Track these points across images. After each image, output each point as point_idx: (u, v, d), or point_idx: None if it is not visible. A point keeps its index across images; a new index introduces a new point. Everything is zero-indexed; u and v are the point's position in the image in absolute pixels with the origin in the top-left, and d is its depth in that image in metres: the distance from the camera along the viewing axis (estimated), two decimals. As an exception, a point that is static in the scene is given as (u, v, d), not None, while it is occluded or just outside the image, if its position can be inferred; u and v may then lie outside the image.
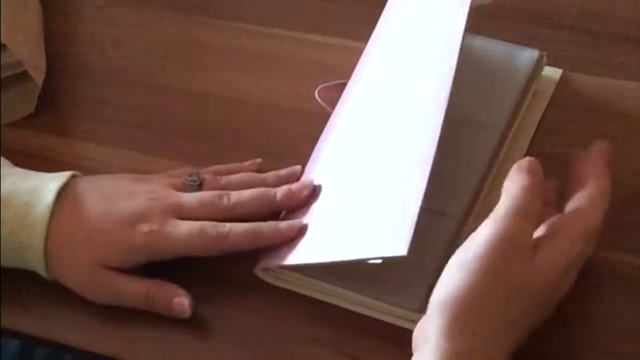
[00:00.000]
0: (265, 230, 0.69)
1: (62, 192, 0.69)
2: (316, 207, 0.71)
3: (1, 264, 0.69)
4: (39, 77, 0.82)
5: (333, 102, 0.78)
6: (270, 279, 0.70)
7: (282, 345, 0.67)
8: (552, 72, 0.79)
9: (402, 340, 0.64)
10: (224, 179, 0.74)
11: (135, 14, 0.90)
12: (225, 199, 0.71)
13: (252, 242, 0.69)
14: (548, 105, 0.77)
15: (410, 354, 0.62)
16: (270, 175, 0.74)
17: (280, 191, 0.71)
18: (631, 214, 0.71)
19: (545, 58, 0.78)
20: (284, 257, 0.68)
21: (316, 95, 0.80)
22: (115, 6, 0.90)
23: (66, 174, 0.70)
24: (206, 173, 0.74)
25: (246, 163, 0.76)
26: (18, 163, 0.73)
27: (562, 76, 0.79)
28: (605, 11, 0.83)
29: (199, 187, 0.73)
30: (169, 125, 0.81)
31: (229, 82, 0.83)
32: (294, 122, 0.79)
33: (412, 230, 0.63)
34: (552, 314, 0.63)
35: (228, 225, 0.69)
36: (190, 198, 0.71)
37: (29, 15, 0.86)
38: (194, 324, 0.68)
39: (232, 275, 0.70)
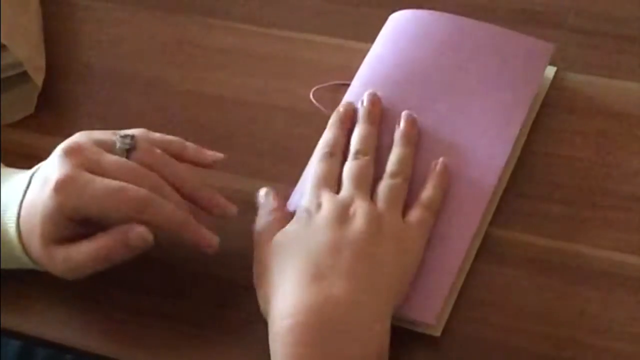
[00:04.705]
0: (189, 225, 0.66)
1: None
2: None
3: (3, 265, 0.69)
4: (39, 78, 0.82)
5: (328, 103, 0.78)
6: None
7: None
8: (546, 70, 0.79)
9: (403, 340, 0.64)
10: (159, 153, 0.68)
11: (135, 14, 0.90)
12: (153, 179, 0.66)
13: (173, 227, 0.65)
14: (542, 103, 0.77)
15: (413, 357, 0.63)
16: (194, 153, 0.70)
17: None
18: (631, 213, 0.71)
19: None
20: None
21: (311, 97, 0.80)
22: (116, 7, 0.90)
23: (38, 165, 0.69)
24: (143, 140, 0.68)
25: (209, 153, 0.71)
26: (18, 163, 0.73)
27: (557, 75, 0.79)
28: (603, 11, 0.83)
29: (128, 151, 0.67)
30: (168, 125, 0.81)
31: (227, 82, 0.83)
32: (292, 122, 0.79)
33: (444, 302, 0.66)
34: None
35: (153, 195, 0.65)
36: (114, 159, 0.66)
37: (29, 15, 0.86)
38: (193, 324, 0.68)
39: (231, 276, 0.70)
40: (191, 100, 0.83)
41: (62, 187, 0.64)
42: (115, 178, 0.65)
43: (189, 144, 0.71)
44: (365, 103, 0.74)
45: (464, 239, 0.69)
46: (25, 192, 0.67)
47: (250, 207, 0.71)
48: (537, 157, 0.74)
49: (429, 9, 0.80)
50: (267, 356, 0.66)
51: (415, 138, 0.72)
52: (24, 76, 0.82)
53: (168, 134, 0.79)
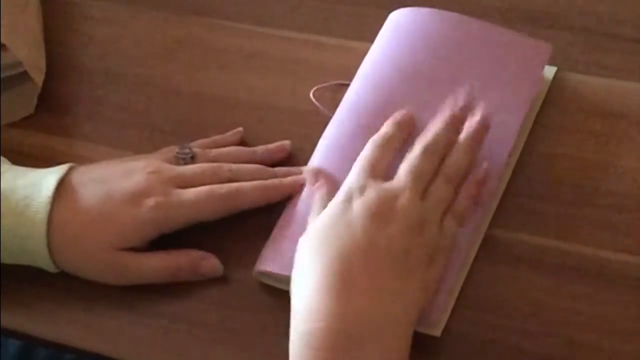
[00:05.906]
0: (272, 184, 0.71)
1: (61, 184, 0.69)
2: None
3: (3, 260, 0.69)
4: (38, 78, 0.82)
5: (328, 103, 0.78)
6: (269, 281, 0.70)
7: (282, 345, 0.66)
8: (546, 70, 0.79)
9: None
10: (214, 152, 0.74)
11: (135, 14, 0.90)
12: (226, 168, 0.72)
13: (261, 196, 0.70)
14: (542, 103, 0.77)
15: (413, 357, 0.62)
16: (260, 148, 0.75)
17: (280, 171, 0.73)
18: (631, 214, 0.71)
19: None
20: (286, 267, 0.67)
21: (311, 96, 0.80)
22: (116, 7, 0.90)
23: (63, 167, 0.70)
24: (195, 147, 0.75)
25: (229, 133, 0.77)
26: (18, 163, 0.73)
27: (557, 75, 0.79)
28: (603, 11, 0.83)
29: (192, 159, 0.73)
30: (169, 126, 0.81)
31: (227, 82, 0.83)
32: (292, 123, 0.79)
33: (444, 302, 0.66)
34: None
35: (235, 184, 0.70)
36: (190, 168, 0.72)
37: (29, 15, 0.86)
38: (194, 324, 0.68)
39: (231, 276, 0.70)
40: (191, 100, 0.82)
41: (164, 205, 0.68)
42: (199, 184, 0.70)
43: (249, 148, 0.76)
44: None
45: (464, 239, 0.69)
46: (54, 192, 0.68)
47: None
48: (537, 157, 0.74)
49: (429, 8, 0.80)
50: (268, 357, 0.66)
51: (478, 151, 0.70)
52: (24, 76, 0.82)
53: (168, 134, 0.80)
